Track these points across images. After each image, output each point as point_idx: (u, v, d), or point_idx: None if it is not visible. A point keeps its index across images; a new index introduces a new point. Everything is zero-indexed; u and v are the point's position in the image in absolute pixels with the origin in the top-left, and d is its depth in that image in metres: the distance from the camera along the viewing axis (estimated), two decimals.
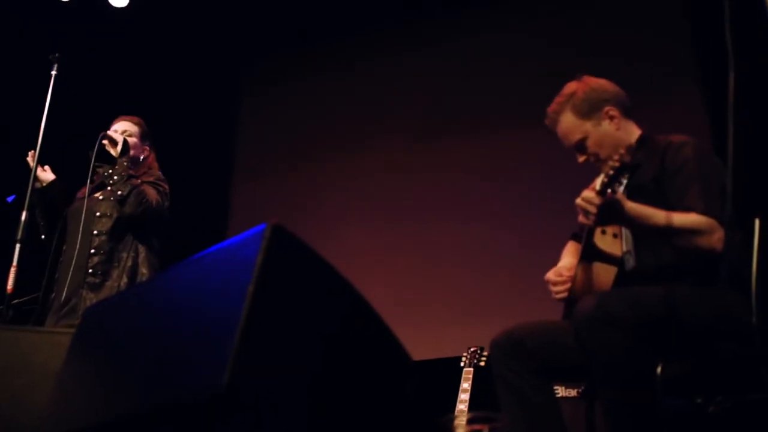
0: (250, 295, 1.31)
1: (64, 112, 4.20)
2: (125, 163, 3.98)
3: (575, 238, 3.19)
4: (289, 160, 7.05)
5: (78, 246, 3.88)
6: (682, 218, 2.55)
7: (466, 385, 3.87)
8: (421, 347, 5.53)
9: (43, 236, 4.10)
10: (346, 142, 6.80)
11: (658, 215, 2.54)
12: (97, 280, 3.86)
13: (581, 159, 2.87)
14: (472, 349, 4.01)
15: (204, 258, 1.50)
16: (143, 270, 3.94)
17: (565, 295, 2.90)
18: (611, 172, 2.42)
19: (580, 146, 2.84)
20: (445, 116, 6.36)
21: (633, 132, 2.89)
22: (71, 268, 3.82)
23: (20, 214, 3.61)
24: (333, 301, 1.45)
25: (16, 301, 3.93)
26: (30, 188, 3.73)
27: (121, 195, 3.92)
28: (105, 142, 3.99)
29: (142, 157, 4.26)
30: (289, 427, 1.35)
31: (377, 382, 1.49)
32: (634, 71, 5.28)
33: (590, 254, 2.82)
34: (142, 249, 4.00)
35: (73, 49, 5.85)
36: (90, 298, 3.81)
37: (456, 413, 3.45)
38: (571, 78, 2.98)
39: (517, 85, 6.05)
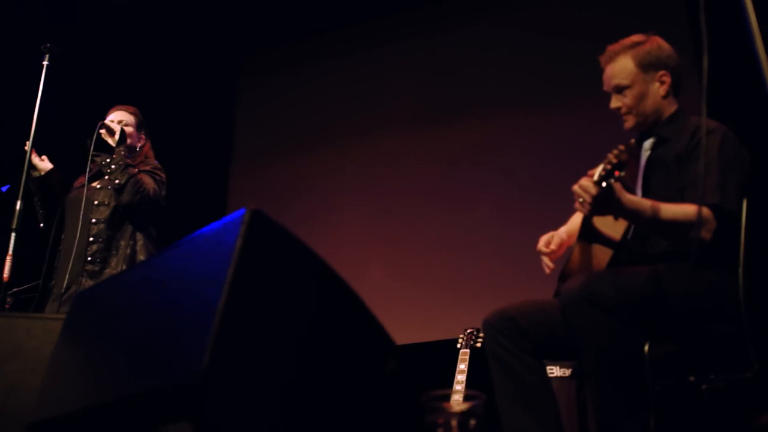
0: (229, 280, 1.34)
1: (59, 101, 4.22)
2: (122, 153, 4.01)
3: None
4: (286, 148, 7.05)
5: (77, 234, 3.91)
6: (676, 212, 2.54)
7: (462, 366, 3.89)
8: (418, 330, 5.58)
9: (41, 224, 4.13)
10: (342, 131, 6.80)
11: (654, 210, 2.53)
12: (96, 268, 3.90)
13: (614, 104, 2.85)
14: (468, 331, 4.04)
15: (185, 243, 1.52)
16: (141, 257, 3.98)
17: (551, 266, 2.92)
18: (609, 166, 2.42)
19: (620, 90, 2.82)
20: (440, 105, 6.37)
21: (672, 107, 2.86)
22: (71, 257, 3.86)
23: (15, 204, 3.62)
24: (312, 284, 1.47)
25: (14, 289, 3.97)
26: (24, 178, 3.75)
27: (118, 184, 3.95)
28: (102, 131, 4.02)
29: (138, 146, 4.29)
30: (271, 411, 1.37)
31: (358, 363, 1.51)
32: None
33: (589, 235, 2.83)
34: (140, 237, 4.03)
35: (68, 37, 5.89)
36: (89, 286, 3.85)
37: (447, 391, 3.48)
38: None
39: (511, 75, 6.06)
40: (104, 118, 4.23)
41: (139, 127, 4.33)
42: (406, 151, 6.42)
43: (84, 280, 3.88)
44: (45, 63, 3.95)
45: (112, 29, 6.56)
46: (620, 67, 2.81)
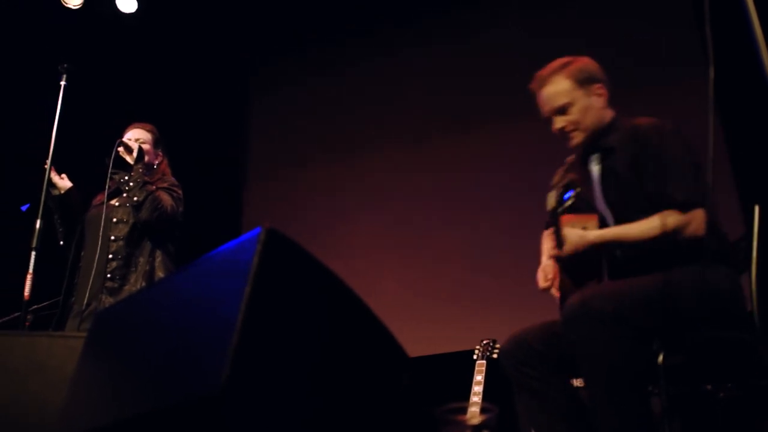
0: (247, 298, 1.37)
1: (76, 119, 4.27)
2: (140, 170, 4.05)
3: (549, 227, 3.21)
4: (299, 159, 7.10)
5: (97, 251, 3.95)
6: (655, 225, 2.59)
7: (479, 377, 3.89)
8: (434, 341, 5.59)
9: (61, 242, 4.18)
10: (356, 142, 6.84)
11: (621, 236, 2.64)
12: (116, 285, 3.94)
13: (558, 125, 2.88)
14: (485, 342, 4.04)
15: (203, 262, 1.56)
16: (160, 274, 4.02)
17: (558, 294, 2.94)
18: (560, 191, 2.48)
19: (563, 111, 2.86)
20: (455, 114, 6.39)
21: (608, 116, 2.91)
22: (91, 273, 3.89)
23: (35, 222, 3.67)
24: (327, 300, 1.50)
25: (35, 306, 4.02)
26: (43, 196, 3.80)
27: (137, 201, 3.99)
28: (120, 149, 4.07)
29: (155, 164, 4.33)
30: (288, 424, 1.40)
31: (372, 377, 1.54)
32: (642, 61, 5.30)
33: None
34: (158, 253, 4.08)
35: (83, 56, 5.96)
36: (109, 302, 3.89)
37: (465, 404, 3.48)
38: None
39: (525, 83, 6.07)
40: (122, 136, 4.26)
41: (156, 144, 4.37)
42: (421, 160, 6.45)
43: (104, 296, 3.92)
44: (62, 83, 4.00)
45: (126, 47, 6.62)
46: (558, 88, 2.86)
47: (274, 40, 7.27)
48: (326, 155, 6.95)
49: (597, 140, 2.87)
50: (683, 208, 2.58)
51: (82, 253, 4.11)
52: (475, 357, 3.99)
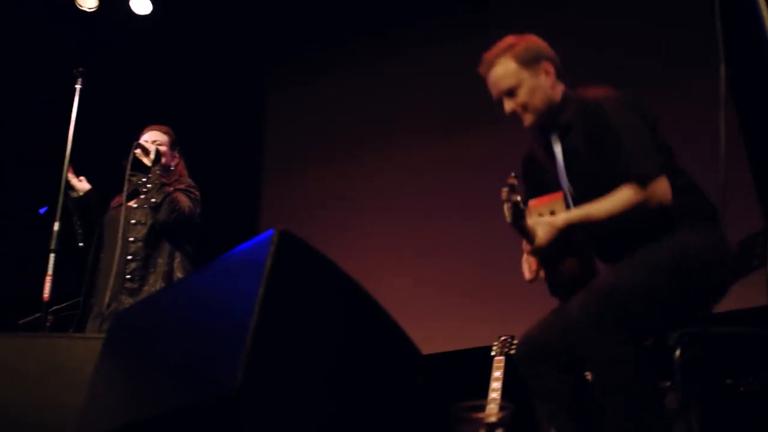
0: (260, 299, 1.38)
1: (93, 122, 4.30)
2: (158, 172, 4.08)
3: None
4: (313, 158, 7.13)
5: (116, 253, 3.98)
6: (618, 202, 2.57)
7: (497, 373, 3.86)
8: (450, 338, 5.60)
9: (81, 244, 4.21)
10: (370, 141, 6.85)
11: (588, 214, 2.62)
12: (135, 285, 3.97)
13: (508, 108, 2.85)
14: (502, 338, 4.01)
15: (217, 264, 1.57)
16: (179, 274, 4.04)
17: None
18: (511, 199, 2.51)
19: (511, 93, 2.82)
20: (464, 112, 6.38)
21: (559, 93, 2.86)
22: (110, 275, 3.90)
23: (53, 225, 3.70)
24: (340, 301, 1.51)
25: (55, 307, 4.06)
26: (61, 199, 3.83)
27: (154, 202, 4.02)
28: (137, 151, 4.09)
29: (172, 165, 4.35)
30: (303, 425, 1.41)
31: (387, 378, 1.55)
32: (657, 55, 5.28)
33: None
34: (177, 254, 4.10)
35: (99, 58, 6.02)
36: (129, 303, 3.92)
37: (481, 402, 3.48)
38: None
39: None
40: (138, 138, 4.27)
41: (172, 146, 4.38)
42: (434, 158, 6.45)
43: (123, 297, 3.95)
44: (78, 86, 4.04)
45: (140, 49, 6.67)
46: (504, 71, 2.81)
47: (286, 40, 7.28)
48: (340, 153, 6.97)
49: (554, 118, 2.84)
50: (642, 181, 2.55)
51: (101, 255, 4.13)
52: (492, 353, 3.96)
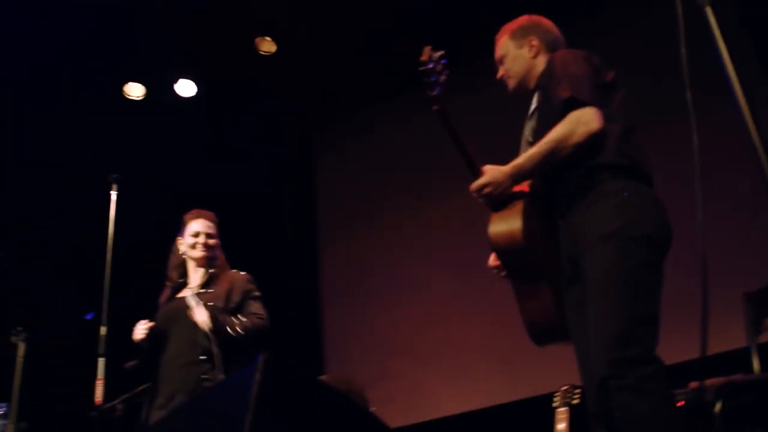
0: (248, 425, 1.50)
1: (134, 217, 4.37)
2: (223, 325, 3.88)
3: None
4: (367, 212, 7.28)
5: (181, 347, 3.90)
6: (551, 134, 2.67)
7: (561, 426, 3.78)
8: (505, 389, 5.62)
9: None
10: (420, 191, 6.95)
11: (530, 155, 2.74)
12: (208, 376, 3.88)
13: (498, 74, 3.15)
14: (564, 388, 3.88)
15: (215, 388, 1.70)
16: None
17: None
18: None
19: (501, 61, 3.13)
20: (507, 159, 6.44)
21: (543, 63, 3.04)
22: (175, 367, 3.86)
23: (99, 330, 3.81)
24: (327, 417, 1.62)
25: (125, 396, 4.05)
26: (106, 305, 3.89)
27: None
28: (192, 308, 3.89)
29: (218, 254, 4.21)
30: None
31: None
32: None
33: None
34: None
35: (146, 143, 6.23)
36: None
37: None
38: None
39: None
40: (183, 227, 4.18)
41: (217, 230, 4.22)
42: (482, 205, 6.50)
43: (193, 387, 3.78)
44: (113, 192, 4.16)
45: (186, 130, 6.87)
46: (498, 44, 3.15)
47: (331, 100, 7.38)
48: (392, 204, 7.11)
49: (535, 86, 3.03)
50: (569, 104, 2.64)
51: (168, 346, 3.98)
52: (554, 404, 3.85)
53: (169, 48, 6.37)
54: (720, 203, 4.68)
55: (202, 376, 3.79)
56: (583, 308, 2.62)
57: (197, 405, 1.70)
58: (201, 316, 3.81)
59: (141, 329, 3.87)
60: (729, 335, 4.14)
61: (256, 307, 4.06)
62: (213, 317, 3.82)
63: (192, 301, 3.85)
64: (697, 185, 1.85)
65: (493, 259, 3.08)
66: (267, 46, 6.47)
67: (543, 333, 2.88)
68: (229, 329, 3.85)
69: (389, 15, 6.44)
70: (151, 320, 3.97)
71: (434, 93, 2.77)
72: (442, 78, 2.78)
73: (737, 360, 3.57)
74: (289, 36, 6.47)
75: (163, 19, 6.08)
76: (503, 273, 2.97)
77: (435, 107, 2.79)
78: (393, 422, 6.00)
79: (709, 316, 1.87)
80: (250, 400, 1.53)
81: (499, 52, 3.15)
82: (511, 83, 3.11)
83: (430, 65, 2.76)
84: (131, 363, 3.92)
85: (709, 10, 1.73)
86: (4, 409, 3.99)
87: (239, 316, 3.94)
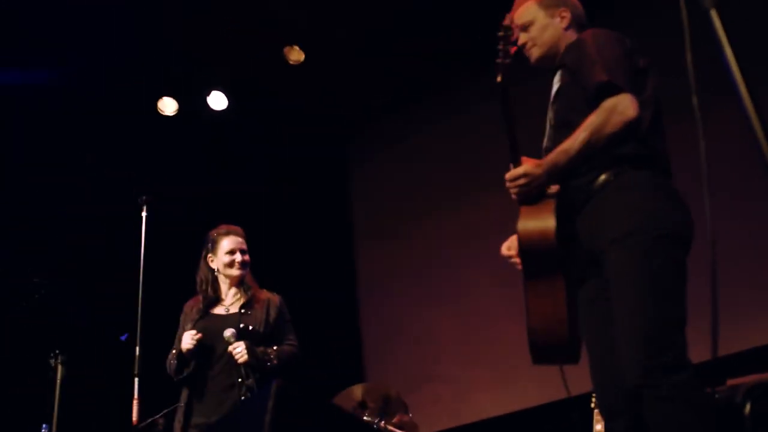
0: None
1: (166, 233, 4.38)
2: (260, 357, 3.91)
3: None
4: (402, 218, 7.29)
5: (222, 367, 3.93)
6: (585, 126, 2.55)
7: (599, 426, 3.76)
8: (547, 389, 5.59)
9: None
10: (454, 196, 6.93)
11: (566, 146, 2.59)
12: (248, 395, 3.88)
13: (521, 40, 2.96)
14: None
15: (234, 412, 1.72)
16: None
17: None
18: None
19: (525, 28, 2.95)
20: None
21: (572, 38, 2.92)
22: (217, 388, 3.89)
23: (134, 350, 3.86)
24: None
25: (165, 411, 4.08)
26: (139, 325, 3.94)
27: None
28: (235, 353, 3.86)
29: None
30: None
31: None
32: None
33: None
34: None
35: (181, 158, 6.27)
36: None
37: None
38: None
39: None
40: (211, 243, 4.21)
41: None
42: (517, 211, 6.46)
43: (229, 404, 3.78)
44: (144, 214, 4.21)
45: (219, 143, 6.94)
46: (524, 9, 2.96)
47: (363, 105, 7.37)
48: (427, 209, 7.11)
49: (560, 61, 2.91)
50: (605, 90, 2.54)
51: (206, 365, 4.01)
52: (592, 405, 3.83)
53: (198, 62, 6.38)
54: (729, 203, 4.62)
55: (242, 399, 3.67)
56: (595, 306, 2.59)
57: (219, 427, 1.73)
58: (240, 356, 3.79)
59: (191, 340, 3.88)
60: (738, 335, 4.08)
61: (289, 333, 4.15)
62: (252, 354, 3.81)
63: (231, 338, 3.86)
64: (705, 188, 1.82)
65: (506, 248, 2.98)
66: (296, 55, 6.47)
67: (546, 349, 2.73)
68: (267, 363, 3.89)
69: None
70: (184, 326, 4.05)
71: (502, 60, 2.65)
72: (512, 51, 2.69)
73: (747, 361, 3.50)
74: (317, 43, 6.46)
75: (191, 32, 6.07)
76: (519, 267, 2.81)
77: (498, 78, 2.66)
78: (435, 425, 6.07)
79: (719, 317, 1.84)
80: (265, 425, 1.55)
81: (525, 17, 2.96)
82: (536, 52, 2.95)
83: (509, 33, 2.69)
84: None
85: (714, 13, 1.71)
86: (45, 430, 4.07)
87: (275, 347, 3.99)
